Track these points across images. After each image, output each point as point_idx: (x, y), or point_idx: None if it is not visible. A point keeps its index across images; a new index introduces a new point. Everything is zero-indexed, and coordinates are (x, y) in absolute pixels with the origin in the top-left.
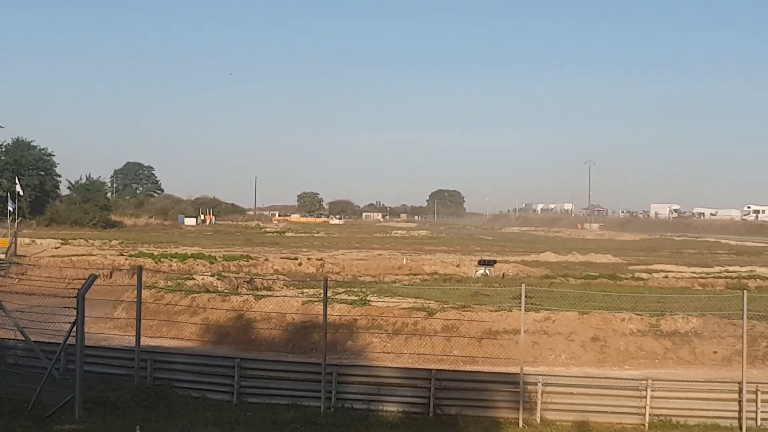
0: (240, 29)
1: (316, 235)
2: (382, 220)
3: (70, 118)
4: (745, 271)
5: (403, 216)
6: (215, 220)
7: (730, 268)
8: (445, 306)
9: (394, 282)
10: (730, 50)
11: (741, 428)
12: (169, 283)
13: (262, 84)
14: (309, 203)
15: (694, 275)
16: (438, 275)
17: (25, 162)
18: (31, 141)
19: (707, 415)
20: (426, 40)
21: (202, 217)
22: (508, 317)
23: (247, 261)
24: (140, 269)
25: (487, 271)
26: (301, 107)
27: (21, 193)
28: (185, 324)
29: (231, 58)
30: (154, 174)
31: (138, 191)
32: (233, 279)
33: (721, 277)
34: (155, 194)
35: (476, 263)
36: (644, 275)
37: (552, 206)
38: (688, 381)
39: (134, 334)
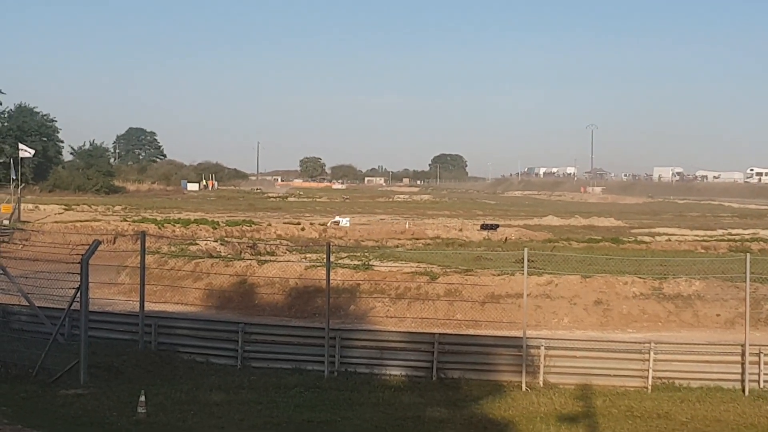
0: None
1: (318, 200)
2: (384, 184)
3: (72, 84)
4: (748, 234)
5: (406, 180)
6: (218, 185)
7: (733, 231)
8: (448, 270)
9: (397, 246)
10: (732, 12)
11: (744, 390)
12: (173, 248)
13: (264, 48)
14: (311, 168)
15: (697, 238)
16: (440, 239)
17: (27, 128)
18: (34, 107)
19: (710, 377)
20: (428, 3)
21: (204, 182)
22: (510, 281)
23: (250, 226)
24: (143, 235)
25: (342, 220)
26: (304, 71)
27: (31, 154)
28: (189, 289)
29: (233, 21)
30: (156, 139)
31: (141, 157)
32: (236, 244)
33: (724, 240)
34: (158, 160)
35: (479, 227)
36: (647, 238)
37: (554, 170)
38: (690, 344)
39: (138, 299)
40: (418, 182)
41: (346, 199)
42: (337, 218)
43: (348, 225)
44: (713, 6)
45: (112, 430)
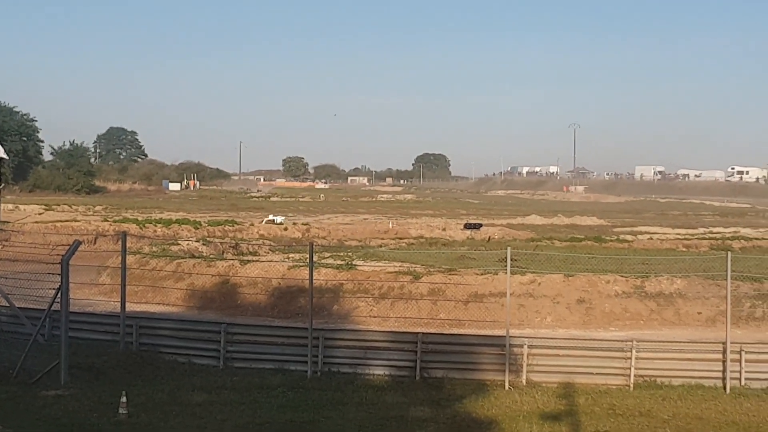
0: None
1: (301, 199)
2: (367, 184)
3: (53, 83)
4: (729, 233)
5: (389, 180)
6: (199, 185)
7: (714, 230)
8: (431, 270)
9: (380, 246)
10: (712, 11)
11: (725, 388)
12: (154, 248)
13: (246, 47)
14: (294, 168)
15: (678, 237)
16: (424, 239)
17: (7, 128)
18: (14, 107)
19: (691, 375)
20: (412, 2)
21: (186, 182)
22: (494, 280)
23: (233, 226)
24: (124, 235)
25: (277, 218)
26: (286, 71)
27: (6, 157)
28: (170, 289)
29: (218, 22)
30: (137, 139)
31: (121, 156)
32: (218, 244)
33: (705, 239)
34: (139, 159)
35: (462, 227)
36: (629, 237)
37: (537, 169)
38: (672, 342)
39: (119, 299)
40: (402, 182)
41: (344, 199)
42: (271, 216)
43: (282, 223)
44: (692, 6)
45: (93, 431)
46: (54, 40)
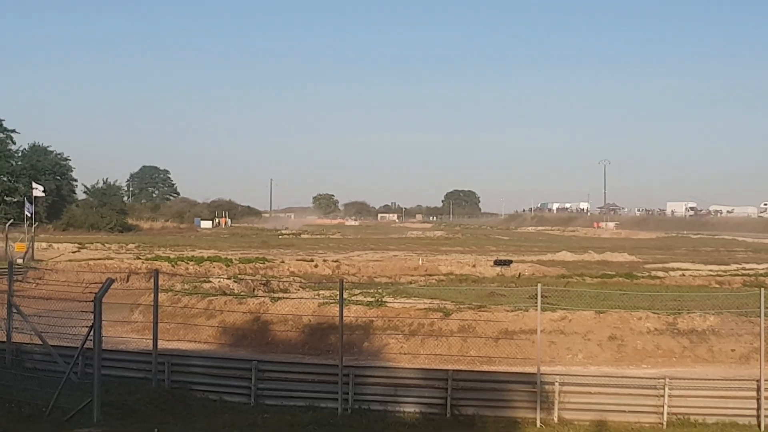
0: (255, 31)
1: (331, 236)
2: (397, 221)
3: (86, 123)
4: (763, 269)
5: (419, 217)
6: (231, 222)
7: (747, 266)
8: (462, 306)
9: (410, 283)
10: (746, 47)
11: (759, 426)
12: (186, 286)
13: (277, 85)
14: (324, 205)
15: (711, 273)
16: (454, 276)
17: (41, 167)
18: (48, 146)
19: (725, 413)
20: (440, 39)
21: (217, 220)
22: (524, 317)
23: (263, 263)
24: (156, 273)
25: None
26: (317, 108)
27: (43, 193)
28: (202, 327)
29: (247, 60)
30: (170, 177)
31: (154, 195)
32: (249, 281)
33: (738, 275)
34: (171, 198)
35: (492, 263)
36: (661, 274)
37: (568, 205)
38: (706, 379)
39: (151, 337)
40: (432, 218)
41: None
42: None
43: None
44: (725, 41)
45: None
46: (88, 79)
